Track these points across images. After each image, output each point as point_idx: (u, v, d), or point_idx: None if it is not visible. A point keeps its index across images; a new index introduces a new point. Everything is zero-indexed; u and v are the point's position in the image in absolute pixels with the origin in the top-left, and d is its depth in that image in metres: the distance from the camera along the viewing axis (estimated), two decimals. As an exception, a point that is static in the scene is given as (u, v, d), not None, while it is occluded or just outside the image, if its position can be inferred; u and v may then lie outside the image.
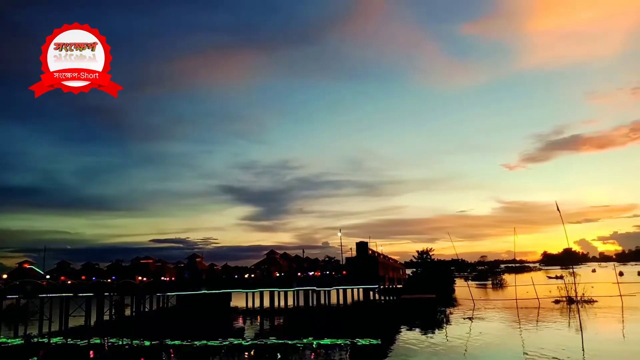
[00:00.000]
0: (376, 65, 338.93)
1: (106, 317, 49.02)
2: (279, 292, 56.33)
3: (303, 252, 75.01)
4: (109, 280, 54.85)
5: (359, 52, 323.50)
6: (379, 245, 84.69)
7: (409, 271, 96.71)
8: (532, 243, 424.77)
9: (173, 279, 59.79)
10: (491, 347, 26.36)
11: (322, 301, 55.19)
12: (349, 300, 59.57)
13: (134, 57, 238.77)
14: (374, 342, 29.35)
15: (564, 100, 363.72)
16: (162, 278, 59.13)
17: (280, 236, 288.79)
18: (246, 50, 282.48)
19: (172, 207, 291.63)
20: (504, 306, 50.07)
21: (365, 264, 53.79)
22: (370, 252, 58.74)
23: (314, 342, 29.40)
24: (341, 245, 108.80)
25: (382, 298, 62.24)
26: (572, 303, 48.54)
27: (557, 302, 50.63)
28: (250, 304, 59.00)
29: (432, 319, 42.83)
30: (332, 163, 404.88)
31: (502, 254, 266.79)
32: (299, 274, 58.01)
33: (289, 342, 30.08)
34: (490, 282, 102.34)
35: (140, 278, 56.27)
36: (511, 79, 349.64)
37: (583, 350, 24.21)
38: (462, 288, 68.20)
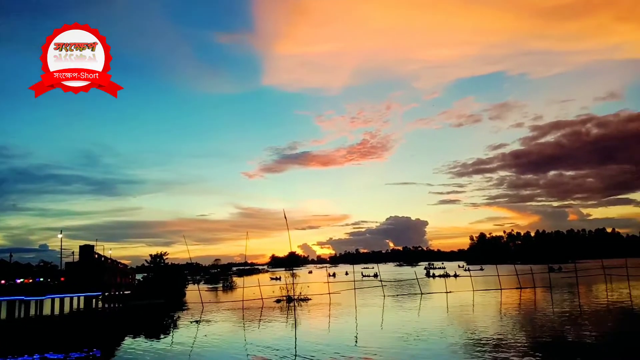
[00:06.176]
0: (124, 54, 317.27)
1: None
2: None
3: (11, 256, 65.06)
4: None
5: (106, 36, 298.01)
6: (109, 249, 78.93)
7: (140, 276, 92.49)
8: (263, 247, 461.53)
9: None
10: (216, 347, 27.06)
11: (33, 313, 48.21)
12: (67, 310, 53.32)
13: None
14: (92, 353, 26.88)
15: (298, 120, 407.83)
16: None
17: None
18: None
19: None
20: (232, 307, 52.27)
21: (89, 269, 49.48)
22: (96, 256, 54.50)
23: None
24: (61, 249, 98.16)
25: (107, 306, 57.83)
26: (290, 301, 53.81)
27: (278, 301, 55.42)
28: None
29: (158, 324, 41.74)
30: (59, 155, 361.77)
31: (235, 257, 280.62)
32: (2, 281, 49.42)
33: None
34: (221, 284, 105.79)
35: None
36: (257, 93, 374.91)
37: (295, 341, 27.00)
38: (194, 292, 68.63)
